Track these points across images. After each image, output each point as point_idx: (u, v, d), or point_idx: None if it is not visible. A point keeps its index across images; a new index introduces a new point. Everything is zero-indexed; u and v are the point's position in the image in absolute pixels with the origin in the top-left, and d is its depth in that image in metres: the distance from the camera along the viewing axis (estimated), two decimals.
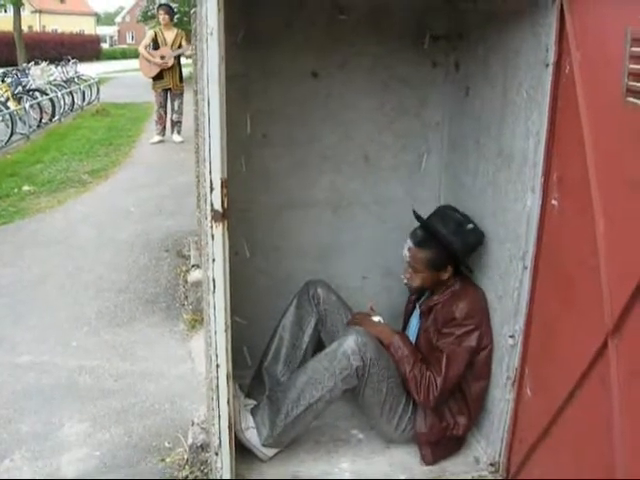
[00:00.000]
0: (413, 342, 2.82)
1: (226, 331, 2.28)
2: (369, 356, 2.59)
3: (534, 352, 2.43)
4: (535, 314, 2.41)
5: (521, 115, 2.38)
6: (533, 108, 2.29)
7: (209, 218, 2.13)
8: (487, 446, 2.77)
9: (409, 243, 2.76)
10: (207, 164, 2.09)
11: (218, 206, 2.12)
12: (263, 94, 3.06)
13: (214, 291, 2.22)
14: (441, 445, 2.75)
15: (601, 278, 1.88)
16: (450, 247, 2.67)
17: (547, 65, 2.18)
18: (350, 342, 2.60)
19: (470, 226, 2.72)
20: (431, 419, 2.71)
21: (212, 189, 2.10)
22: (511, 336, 2.51)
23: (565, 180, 2.17)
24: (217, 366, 2.31)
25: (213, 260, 2.18)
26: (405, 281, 2.83)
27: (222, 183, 2.10)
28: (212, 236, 2.15)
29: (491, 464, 2.70)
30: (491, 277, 2.69)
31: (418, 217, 2.83)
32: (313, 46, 3.04)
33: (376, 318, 2.86)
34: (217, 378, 2.33)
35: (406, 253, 2.77)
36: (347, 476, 2.68)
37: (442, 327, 2.65)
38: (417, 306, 2.94)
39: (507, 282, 2.53)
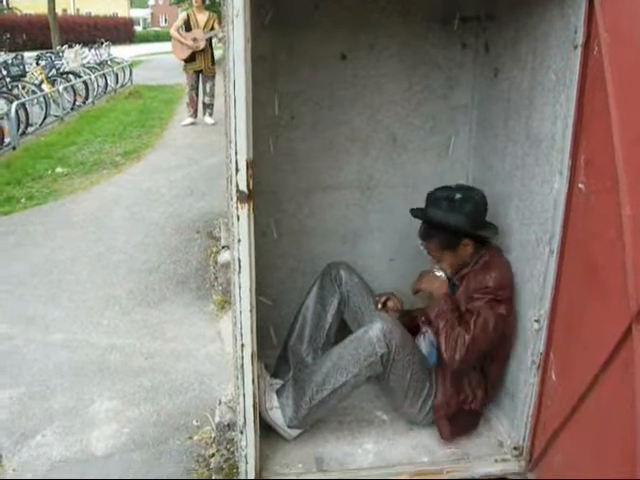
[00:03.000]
0: None
1: (251, 311, 2.29)
2: (394, 343, 2.59)
3: (559, 336, 2.42)
4: (560, 298, 2.39)
5: (549, 97, 2.35)
6: (561, 90, 2.26)
7: (235, 199, 2.15)
8: (511, 430, 2.77)
9: (419, 241, 2.82)
10: (233, 145, 2.10)
11: (243, 187, 2.13)
12: (291, 76, 3.07)
13: (239, 271, 2.24)
14: (458, 419, 2.74)
15: (626, 262, 1.86)
16: (450, 225, 2.68)
17: (576, 47, 2.14)
18: (376, 329, 2.61)
19: (458, 196, 2.70)
20: (450, 392, 2.71)
21: (237, 170, 2.11)
22: (536, 320, 2.49)
23: (592, 163, 2.14)
24: (242, 346, 2.33)
25: (239, 240, 2.20)
26: (441, 274, 2.81)
27: (247, 164, 2.11)
28: (237, 217, 2.16)
29: (515, 448, 2.70)
30: (517, 260, 2.68)
31: (414, 214, 2.86)
32: (341, 28, 3.02)
33: (438, 272, 2.83)
34: (242, 358, 2.35)
35: (422, 249, 2.84)
36: (370, 457, 2.69)
37: (473, 293, 2.64)
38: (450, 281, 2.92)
39: (533, 266, 2.52)
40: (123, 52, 22.96)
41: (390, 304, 2.94)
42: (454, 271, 2.82)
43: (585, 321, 2.20)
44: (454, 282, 2.82)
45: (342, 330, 3.00)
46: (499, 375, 2.78)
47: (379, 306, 2.92)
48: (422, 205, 2.83)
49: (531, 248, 2.54)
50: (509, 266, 2.72)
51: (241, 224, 2.18)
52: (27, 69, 12.84)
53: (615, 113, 1.95)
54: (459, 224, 2.68)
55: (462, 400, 2.72)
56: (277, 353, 3.09)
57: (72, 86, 12.70)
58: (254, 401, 2.43)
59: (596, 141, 2.11)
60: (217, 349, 3.95)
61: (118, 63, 17.35)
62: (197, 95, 10.71)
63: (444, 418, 2.73)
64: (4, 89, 10.69)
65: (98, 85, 14.46)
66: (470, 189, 2.82)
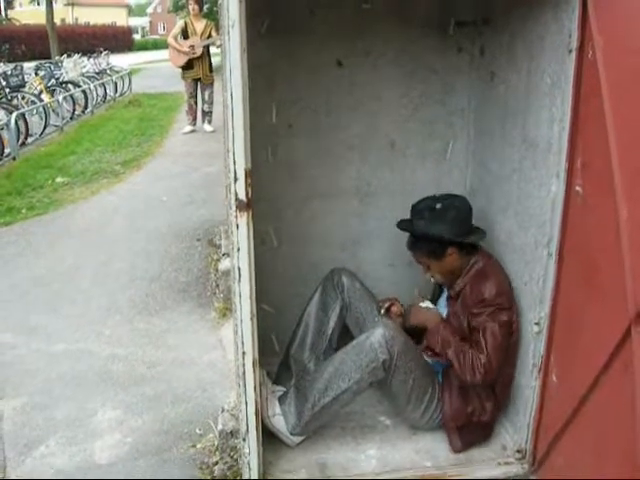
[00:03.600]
0: None
1: (252, 319, 2.30)
2: (396, 349, 2.60)
3: (559, 339, 2.42)
4: (560, 301, 2.40)
5: (545, 101, 2.36)
6: (557, 94, 2.27)
7: (234, 207, 2.16)
8: (514, 433, 2.78)
9: (410, 252, 2.84)
10: (231, 154, 2.11)
11: (242, 196, 2.14)
12: (288, 83, 3.07)
13: (239, 279, 2.25)
14: (468, 431, 2.74)
15: (624, 265, 1.87)
16: (432, 235, 2.69)
17: (570, 50, 2.16)
18: (378, 335, 2.61)
19: (439, 205, 2.71)
20: (457, 404, 2.71)
21: (236, 179, 2.12)
22: (536, 323, 2.50)
23: (589, 166, 2.15)
24: (243, 353, 2.34)
25: (238, 249, 2.21)
26: (432, 281, 2.87)
27: (246, 173, 2.12)
28: (237, 225, 2.17)
29: (518, 451, 2.70)
30: (516, 264, 2.68)
31: (401, 226, 2.87)
32: (338, 35, 3.03)
33: (424, 304, 2.86)
34: (244, 365, 2.36)
35: (414, 259, 2.86)
36: (373, 462, 2.69)
37: (472, 308, 2.63)
38: (444, 290, 2.94)
39: (532, 269, 2.52)
40: (122, 60, 22.98)
41: (394, 309, 2.95)
42: (447, 281, 2.82)
43: (585, 323, 2.21)
44: (450, 295, 2.83)
45: (344, 336, 3.01)
46: (507, 382, 2.76)
47: (382, 311, 2.93)
48: None
49: (530, 251, 2.55)
50: (503, 272, 2.73)
51: (240, 232, 2.19)
52: (26, 79, 12.82)
53: (610, 116, 1.96)
54: (441, 233, 2.68)
55: (471, 412, 2.71)
56: (279, 360, 3.10)
57: (71, 95, 12.73)
58: (256, 408, 2.44)
59: (592, 144, 2.12)
60: (219, 357, 3.95)
61: (117, 72, 17.38)
62: (196, 103, 10.73)
63: (454, 430, 2.73)
64: (3, 100, 10.72)
65: (97, 94, 14.49)
66: (452, 197, 2.81)
